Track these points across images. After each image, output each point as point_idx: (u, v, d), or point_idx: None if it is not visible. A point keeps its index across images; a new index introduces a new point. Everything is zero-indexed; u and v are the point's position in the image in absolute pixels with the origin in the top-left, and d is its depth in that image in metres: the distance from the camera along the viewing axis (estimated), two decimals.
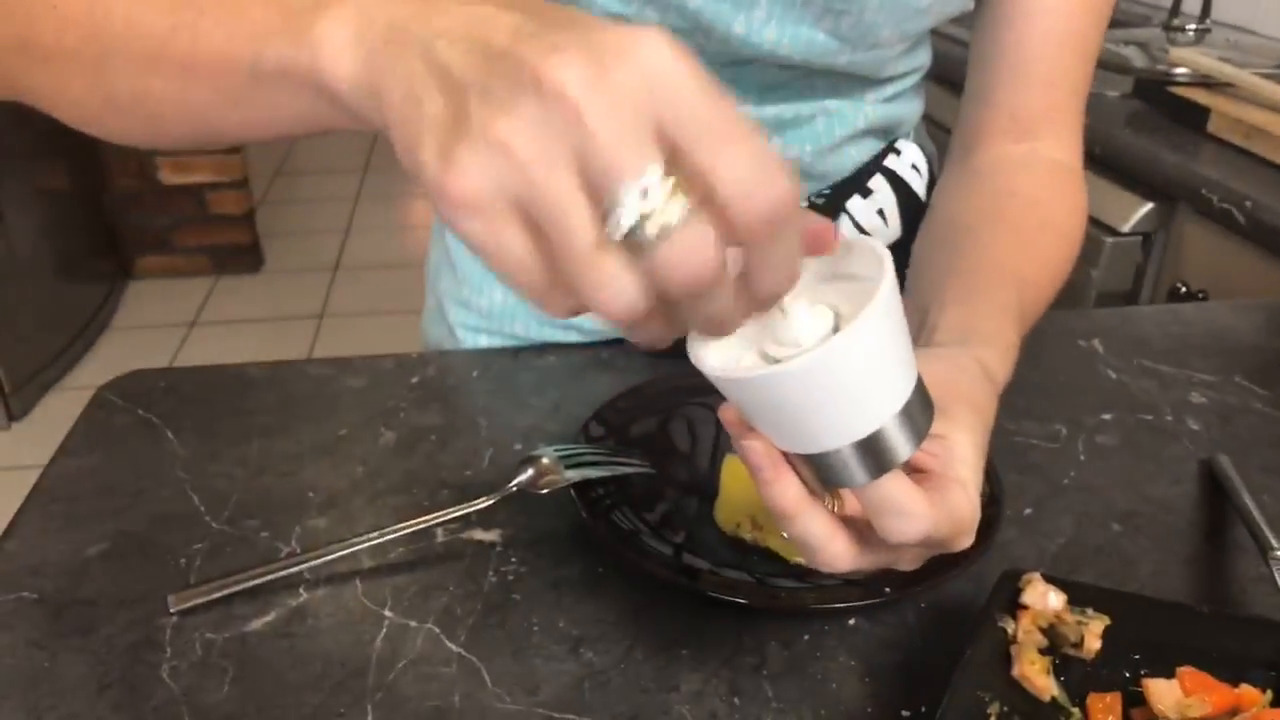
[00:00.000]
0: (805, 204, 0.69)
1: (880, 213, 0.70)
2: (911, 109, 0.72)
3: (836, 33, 0.59)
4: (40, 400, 2.44)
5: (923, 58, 0.69)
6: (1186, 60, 1.29)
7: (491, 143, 0.28)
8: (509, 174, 0.28)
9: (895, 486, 0.37)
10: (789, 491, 0.38)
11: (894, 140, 0.71)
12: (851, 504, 0.40)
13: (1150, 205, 1.18)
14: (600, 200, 0.28)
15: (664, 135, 0.28)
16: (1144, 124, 1.26)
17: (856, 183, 0.69)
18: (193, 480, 0.61)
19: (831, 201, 0.69)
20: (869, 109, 0.67)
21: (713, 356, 0.37)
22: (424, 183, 0.30)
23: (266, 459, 0.63)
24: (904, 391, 0.37)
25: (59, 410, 2.42)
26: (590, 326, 0.76)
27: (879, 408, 0.36)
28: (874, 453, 0.37)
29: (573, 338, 0.77)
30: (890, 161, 0.70)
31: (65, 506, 0.59)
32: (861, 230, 0.70)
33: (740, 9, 0.57)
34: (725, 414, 0.40)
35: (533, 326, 0.77)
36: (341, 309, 2.86)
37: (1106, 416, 0.67)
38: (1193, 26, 1.48)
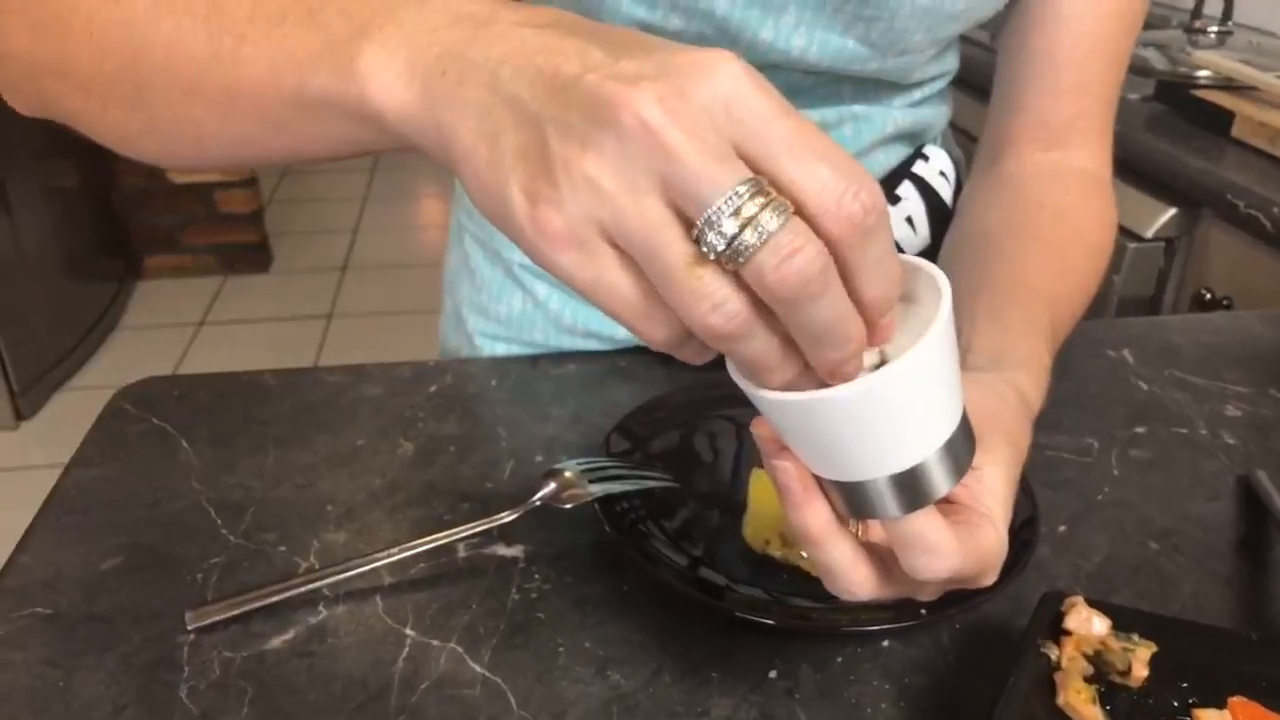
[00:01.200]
0: None
1: (909, 220, 0.69)
2: (939, 114, 0.70)
3: (866, 40, 0.58)
4: (49, 400, 2.43)
5: (951, 62, 0.68)
6: (1209, 63, 1.28)
7: (577, 179, 0.28)
8: (598, 206, 0.28)
9: (926, 523, 0.36)
10: (818, 517, 0.37)
11: (922, 146, 0.70)
12: (876, 531, 0.39)
13: (1174, 211, 1.17)
14: (693, 224, 0.28)
15: (746, 155, 0.28)
16: (1166, 128, 1.24)
17: (885, 189, 0.68)
18: (208, 492, 0.60)
19: None
20: (897, 114, 0.66)
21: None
22: (512, 221, 0.29)
23: (283, 470, 0.62)
24: (949, 426, 0.35)
25: (67, 410, 2.42)
26: (610, 334, 0.75)
27: (923, 442, 0.35)
28: (911, 487, 0.36)
29: (592, 345, 0.76)
30: (919, 168, 0.69)
31: (79, 518, 0.58)
32: None
33: (769, 15, 0.56)
34: (758, 430, 0.39)
35: (551, 334, 0.76)
36: (350, 309, 2.85)
37: (1139, 430, 0.66)
38: (1214, 29, 1.46)
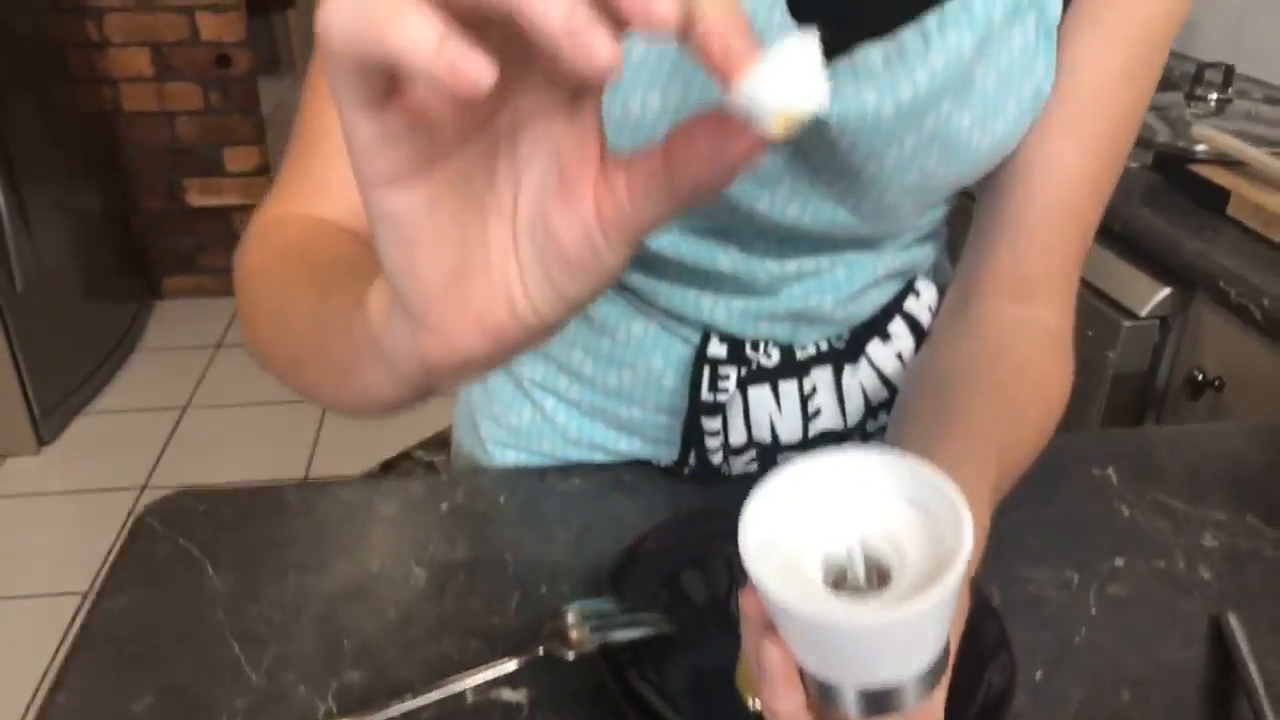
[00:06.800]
0: (826, 347, 0.71)
1: (899, 356, 0.71)
2: (931, 249, 0.73)
3: (857, 211, 0.61)
4: (69, 424, 2.48)
5: (942, 209, 0.70)
6: (1206, 138, 1.30)
7: None
8: None
9: None
10: (790, 702, 0.40)
11: (914, 279, 0.73)
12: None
13: (1168, 290, 1.19)
14: None
15: None
16: (1164, 202, 1.27)
17: (876, 327, 0.71)
18: (232, 624, 0.64)
19: (852, 345, 0.71)
20: (889, 257, 0.69)
21: (773, 578, 0.38)
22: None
23: (303, 599, 0.66)
24: (933, 658, 0.39)
25: (88, 434, 2.47)
26: (614, 447, 0.78)
27: (905, 668, 0.38)
28: (882, 700, 0.39)
29: (597, 457, 0.79)
30: (909, 304, 0.72)
31: (112, 651, 0.61)
32: (881, 374, 0.71)
33: (764, 188, 0.59)
34: (748, 607, 0.42)
35: (559, 446, 0.79)
36: None
37: (1119, 562, 0.69)
38: (1214, 96, 1.48)
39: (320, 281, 0.47)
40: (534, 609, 0.65)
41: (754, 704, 0.57)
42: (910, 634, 0.37)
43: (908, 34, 0.54)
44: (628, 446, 0.78)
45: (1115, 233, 1.24)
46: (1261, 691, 0.57)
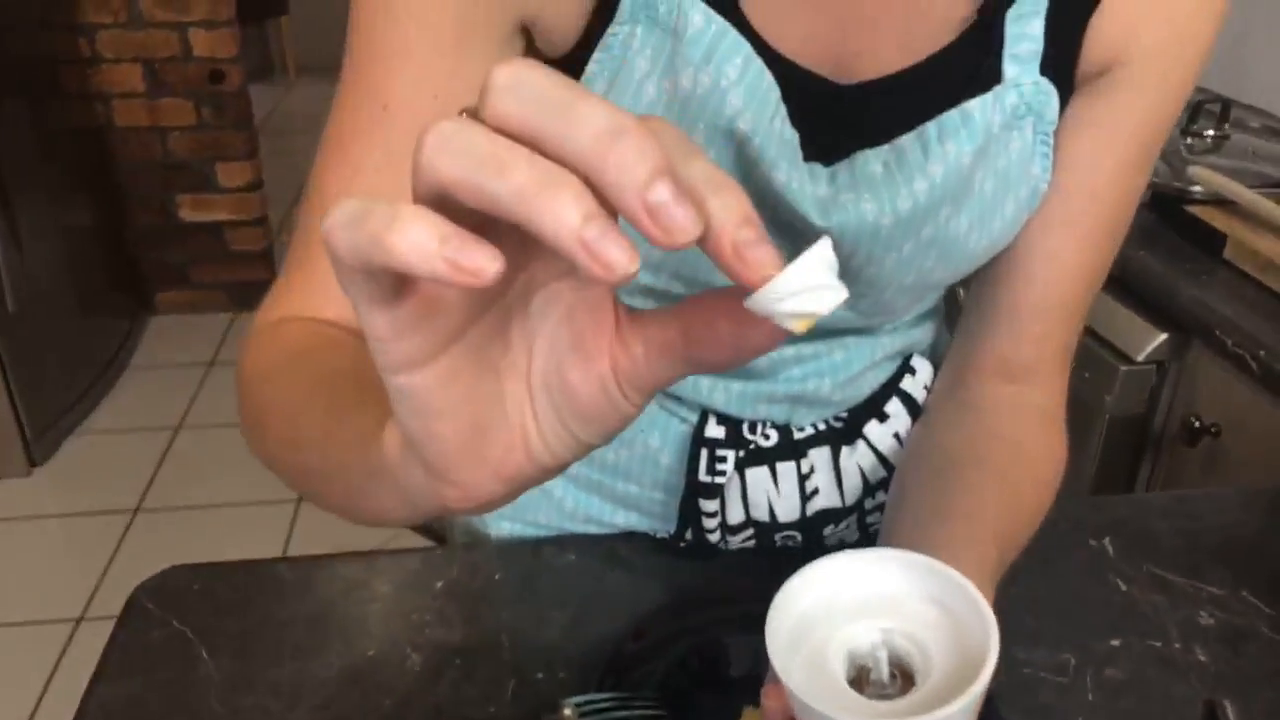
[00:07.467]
0: (824, 427, 0.71)
1: (896, 435, 0.71)
2: (929, 329, 0.73)
3: (855, 308, 0.61)
4: (61, 445, 2.47)
5: (939, 293, 0.70)
6: (1202, 178, 1.30)
7: None
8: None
9: None
10: None
11: (910, 357, 0.73)
12: None
13: (1165, 336, 1.19)
14: None
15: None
16: (1161, 245, 1.27)
17: (874, 407, 0.71)
18: (228, 715, 0.63)
19: (849, 426, 0.71)
20: (886, 340, 0.69)
21: (800, 676, 0.39)
22: None
23: (299, 685, 0.65)
24: None
25: (81, 455, 2.45)
26: (610, 520, 0.78)
27: None
28: None
29: (593, 530, 0.79)
30: (905, 383, 0.72)
31: None
32: (878, 454, 0.71)
33: None
34: (771, 702, 0.42)
35: (554, 518, 0.79)
36: None
37: (1115, 643, 0.69)
38: (1211, 133, 1.48)
39: (326, 391, 0.47)
40: (530, 697, 0.64)
41: None
42: None
43: (907, 141, 0.54)
44: (624, 521, 0.78)
45: (1113, 276, 1.23)
46: None
